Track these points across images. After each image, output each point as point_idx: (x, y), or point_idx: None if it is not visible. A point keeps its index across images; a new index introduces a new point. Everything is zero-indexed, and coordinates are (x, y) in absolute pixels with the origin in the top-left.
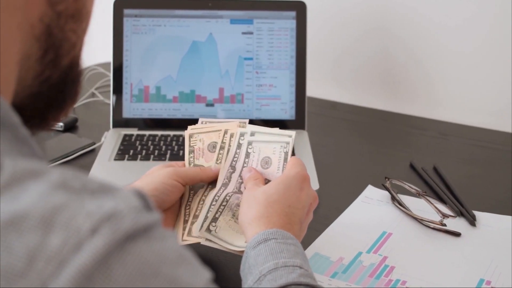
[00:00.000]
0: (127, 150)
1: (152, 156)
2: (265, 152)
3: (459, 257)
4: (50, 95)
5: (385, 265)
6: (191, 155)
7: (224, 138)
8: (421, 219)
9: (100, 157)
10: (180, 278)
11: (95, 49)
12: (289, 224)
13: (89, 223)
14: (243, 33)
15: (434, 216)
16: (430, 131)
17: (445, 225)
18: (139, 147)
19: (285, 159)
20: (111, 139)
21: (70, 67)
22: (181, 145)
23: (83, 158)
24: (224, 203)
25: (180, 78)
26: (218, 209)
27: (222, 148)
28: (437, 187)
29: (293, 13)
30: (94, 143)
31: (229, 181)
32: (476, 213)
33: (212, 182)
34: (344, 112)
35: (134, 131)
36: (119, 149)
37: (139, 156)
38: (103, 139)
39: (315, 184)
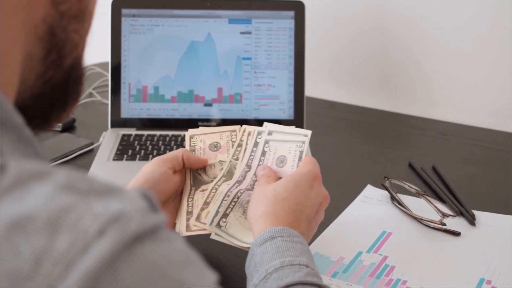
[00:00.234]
0: (126, 150)
1: (150, 156)
2: (281, 151)
3: (459, 256)
4: (52, 96)
5: (386, 265)
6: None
7: (243, 136)
8: (421, 219)
9: (99, 157)
10: (187, 280)
11: (93, 49)
12: (296, 222)
13: (96, 225)
14: (242, 33)
15: (433, 215)
16: (429, 131)
17: (445, 224)
18: (138, 147)
19: (300, 158)
20: (109, 139)
21: (72, 67)
22: (180, 145)
23: (82, 158)
24: (235, 199)
25: (178, 78)
26: (229, 205)
27: (240, 145)
28: (436, 187)
29: (291, 13)
30: (92, 143)
31: (244, 178)
32: (475, 212)
33: (214, 177)
34: (342, 112)
35: (133, 131)
36: (118, 149)
37: (138, 156)
38: (101, 139)
39: None
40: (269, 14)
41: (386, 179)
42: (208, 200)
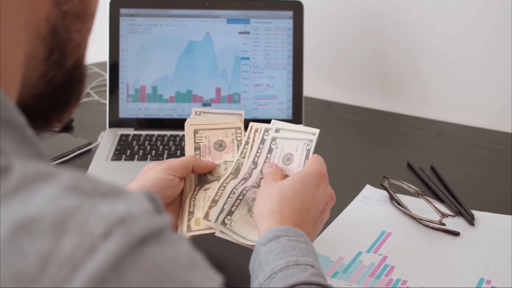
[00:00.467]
0: (124, 150)
1: (149, 156)
2: (288, 148)
3: (459, 256)
4: (54, 96)
5: (385, 265)
6: (197, 152)
7: (250, 133)
8: (420, 219)
9: (97, 158)
10: (193, 281)
11: (91, 49)
12: (302, 221)
13: (102, 227)
14: (240, 32)
15: (432, 215)
16: (427, 131)
17: (444, 224)
18: (136, 147)
19: (307, 157)
20: (107, 139)
21: (74, 67)
22: (178, 145)
23: (80, 159)
24: (240, 197)
25: (176, 78)
26: (234, 203)
27: (247, 143)
28: (435, 187)
29: (290, 13)
30: (91, 143)
31: (250, 176)
32: (474, 212)
33: (218, 176)
34: (341, 112)
35: (131, 131)
36: (116, 149)
37: (136, 156)
38: (99, 139)
39: None
40: (268, 14)
41: (385, 179)
42: (216, 198)
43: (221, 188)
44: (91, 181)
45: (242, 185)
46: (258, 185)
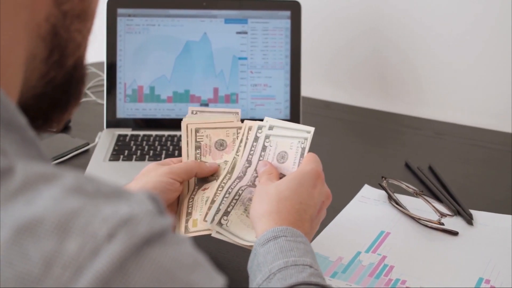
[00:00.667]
0: (122, 151)
1: (147, 156)
2: (282, 146)
3: (458, 256)
4: (54, 96)
5: (385, 265)
6: (198, 151)
7: (244, 131)
8: (419, 218)
9: (95, 158)
10: (196, 282)
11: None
12: (300, 221)
13: (105, 228)
14: (238, 32)
15: (431, 215)
16: (424, 131)
17: (443, 224)
18: (134, 147)
19: (302, 155)
20: (105, 140)
21: (74, 67)
22: (176, 145)
23: (77, 159)
24: (236, 197)
25: (174, 78)
26: (230, 203)
27: (241, 141)
28: (433, 186)
29: (287, 13)
30: (88, 144)
31: (244, 174)
32: (472, 212)
33: (217, 176)
34: (339, 112)
35: (128, 131)
36: (114, 150)
37: (134, 156)
38: (97, 139)
39: None
40: (265, 14)
41: (383, 179)
42: (215, 199)
43: (219, 189)
44: (94, 182)
45: (237, 184)
46: (253, 184)
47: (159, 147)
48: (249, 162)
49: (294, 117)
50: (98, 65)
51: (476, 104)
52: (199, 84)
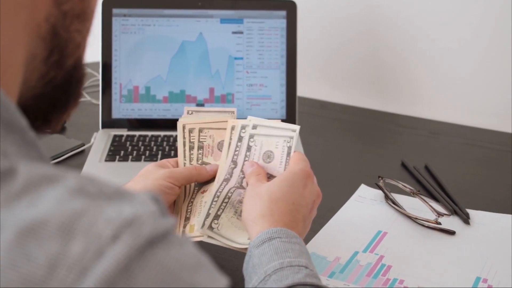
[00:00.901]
0: (118, 151)
1: (143, 156)
2: (267, 146)
3: (455, 255)
4: (54, 96)
5: (382, 264)
6: (200, 151)
7: (227, 131)
8: (416, 218)
9: (91, 159)
10: (200, 283)
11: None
12: (293, 222)
13: (110, 230)
14: (233, 32)
15: (428, 214)
16: (420, 130)
17: (440, 223)
18: (130, 147)
19: (288, 154)
20: (100, 140)
21: (74, 67)
22: (172, 145)
23: (73, 160)
24: (226, 200)
25: (170, 78)
26: (220, 206)
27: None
28: (430, 186)
29: (283, 13)
30: (84, 144)
31: (231, 176)
32: (469, 211)
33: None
34: (334, 112)
35: (124, 132)
36: (110, 150)
37: (130, 157)
38: (92, 140)
39: None
40: (261, 14)
41: (380, 178)
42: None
43: (217, 194)
44: (96, 183)
45: (224, 186)
46: (241, 185)
47: (155, 148)
48: (234, 162)
49: (290, 117)
50: (93, 65)
51: (471, 104)
52: (194, 84)
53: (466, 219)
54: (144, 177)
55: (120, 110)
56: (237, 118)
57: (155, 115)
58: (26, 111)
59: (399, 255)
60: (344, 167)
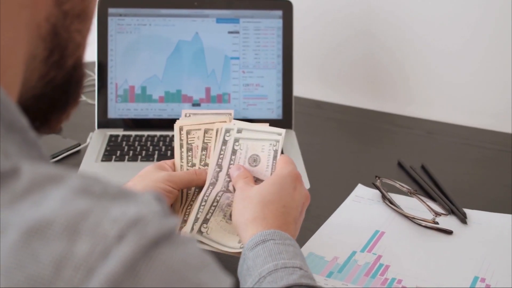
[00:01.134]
0: (114, 151)
1: (139, 156)
2: (253, 149)
3: (453, 255)
4: (53, 96)
5: (380, 264)
6: (189, 153)
7: (205, 138)
8: (413, 218)
9: (87, 159)
10: (204, 282)
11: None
12: (285, 225)
13: (115, 229)
14: (229, 32)
15: (425, 214)
16: (416, 130)
17: (437, 223)
18: (126, 147)
19: (275, 157)
20: (96, 140)
21: (74, 67)
22: (169, 145)
23: (69, 160)
24: (215, 204)
25: (166, 78)
26: (209, 210)
27: (204, 149)
28: (427, 186)
29: (279, 12)
30: (80, 144)
31: (217, 180)
32: (466, 211)
33: None
34: (330, 112)
35: (120, 132)
36: (106, 150)
37: (127, 157)
38: (88, 140)
39: (306, 184)
40: (257, 14)
41: (377, 178)
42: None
43: (205, 198)
44: (100, 183)
45: (211, 191)
46: (227, 189)
47: (151, 148)
48: (219, 166)
49: (286, 117)
50: (88, 65)
51: (467, 104)
52: (191, 84)
53: (463, 219)
54: (143, 178)
55: (116, 110)
56: (234, 119)
57: (151, 115)
58: (26, 111)
59: (397, 255)
60: (340, 166)
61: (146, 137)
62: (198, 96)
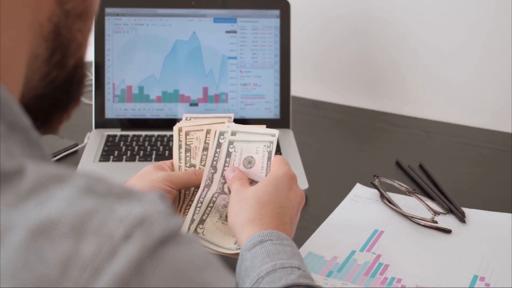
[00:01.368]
0: (112, 151)
1: (137, 156)
2: (248, 151)
3: (452, 254)
4: (55, 96)
5: (379, 263)
6: (188, 154)
7: (207, 139)
8: (412, 217)
9: (85, 159)
10: (209, 282)
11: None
12: (282, 225)
13: (122, 229)
14: (227, 32)
15: (423, 213)
16: (414, 129)
17: (436, 222)
18: (124, 148)
19: (269, 158)
20: (94, 140)
21: (75, 67)
22: (166, 145)
23: (67, 160)
24: (211, 205)
25: (163, 77)
26: (205, 211)
27: (205, 149)
28: (425, 185)
29: (277, 12)
30: (77, 144)
31: (212, 181)
32: (464, 210)
33: None
34: (327, 111)
35: (117, 132)
36: (104, 150)
37: (124, 157)
38: (86, 140)
39: (304, 183)
40: (255, 13)
41: (375, 177)
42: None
43: (200, 200)
44: (105, 183)
45: (207, 192)
46: (222, 191)
47: (149, 148)
48: (214, 168)
49: (284, 117)
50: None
51: (465, 103)
52: (188, 83)
53: (462, 218)
54: (142, 178)
55: (113, 110)
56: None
57: (148, 115)
58: (27, 111)
59: (396, 254)
60: (339, 166)
61: (144, 137)
62: (195, 96)
